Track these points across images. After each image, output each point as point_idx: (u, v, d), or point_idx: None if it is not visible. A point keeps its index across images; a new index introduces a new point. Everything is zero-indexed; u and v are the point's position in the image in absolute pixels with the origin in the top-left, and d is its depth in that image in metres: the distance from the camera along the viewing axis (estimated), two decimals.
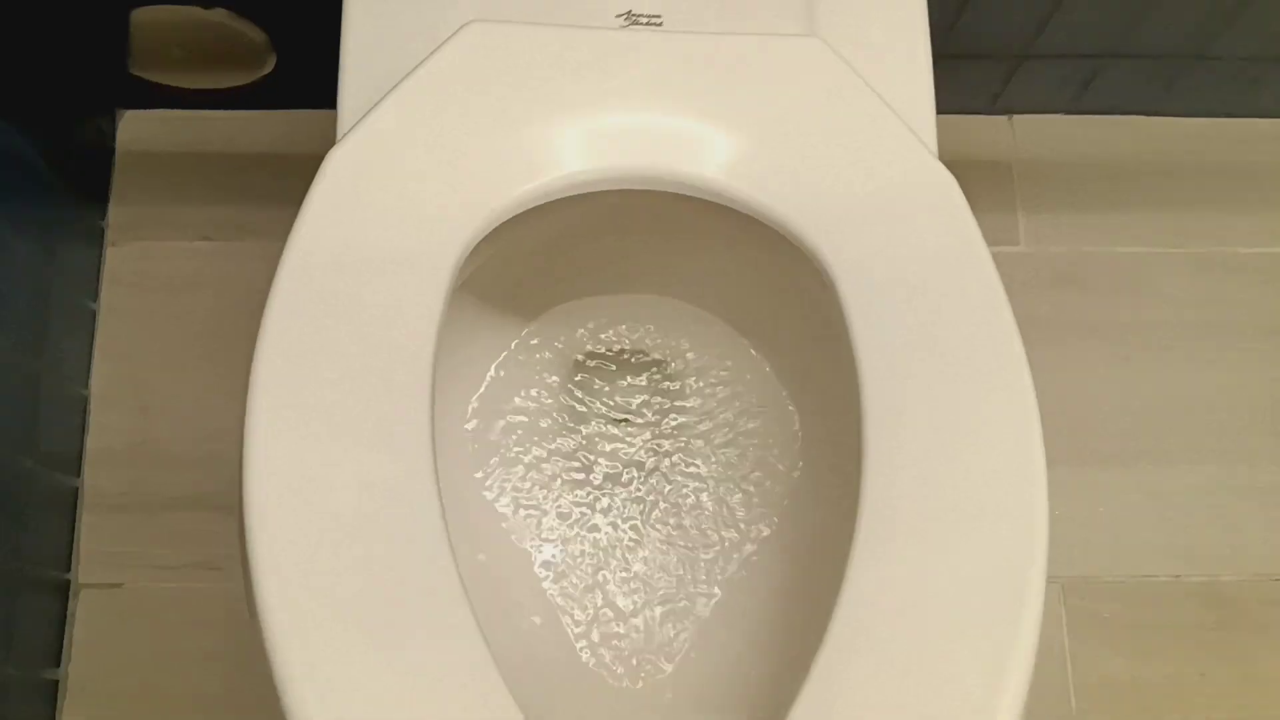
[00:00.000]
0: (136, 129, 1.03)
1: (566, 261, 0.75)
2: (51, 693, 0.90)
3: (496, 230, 0.59)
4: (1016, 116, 1.07)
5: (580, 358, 0.77)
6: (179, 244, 1.01)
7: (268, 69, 0.97)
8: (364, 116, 0.58)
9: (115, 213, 1.01)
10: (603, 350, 0.78)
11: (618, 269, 0.75)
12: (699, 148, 0.60)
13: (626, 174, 0.60)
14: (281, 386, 0.54)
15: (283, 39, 0.94)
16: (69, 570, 0.92)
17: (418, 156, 0.57)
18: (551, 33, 0.60)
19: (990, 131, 1.07)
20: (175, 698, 0.91)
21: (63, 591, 0.92)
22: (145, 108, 1.03)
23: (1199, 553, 0.98)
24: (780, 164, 0.59)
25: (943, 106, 0.66)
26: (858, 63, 0.62)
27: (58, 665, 0.90)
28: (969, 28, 0.92)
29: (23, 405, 0.86)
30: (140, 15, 0.90)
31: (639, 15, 0.67)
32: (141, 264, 1.00)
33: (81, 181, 0.99)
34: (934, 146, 0.63)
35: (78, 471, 0.94)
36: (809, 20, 0.66)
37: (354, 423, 0.53)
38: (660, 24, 0.67)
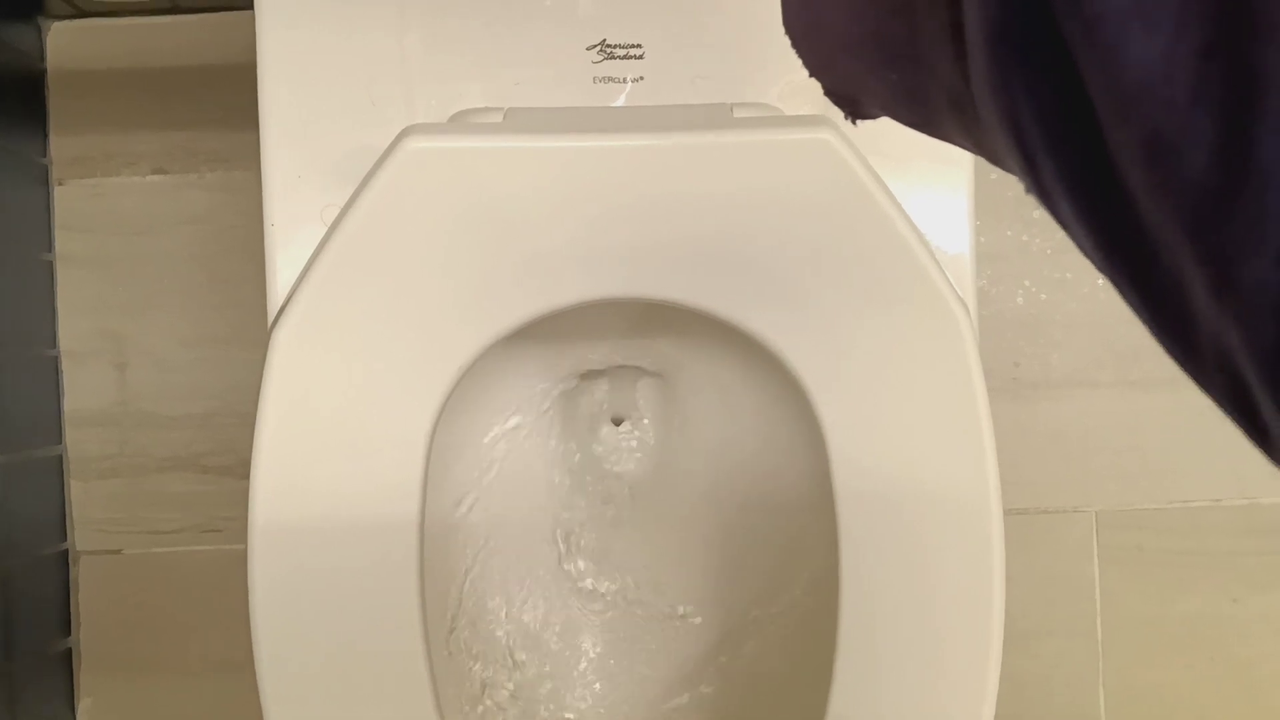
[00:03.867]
0: (65, 43, 0.91)
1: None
2: (66, 662, 0.90)
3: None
4: None
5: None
6: (132, 179, 0.91)
7: None
8: (302, 280, 0.48)
9: (57, 145, 0.91)
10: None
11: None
12: (682, 263, 0.50)
13: (597, 298, 0.50)
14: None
15: None
16: (65, 540, 0.90)
17: (371, 330, 0.48)
18: (503, 146, 0.48)
19: None
20: (188, 659, 0.91)
21: (63, 561, 0.90)
22: (71, 17, 0.90)
23: (1240, 475, 0.93)
24: (772, 287, 0.50)
25: None
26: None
27: (68, 634, 0.90)
28: None
29: None
30: None
31: (614, 46, 0.55)
32: (94, 204, 0.91)
33: (11, 110, 0.88)
34: (967, 267, 0.52)
35: (59, 438, 0.90)
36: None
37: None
38: (641, 55, 0.55)
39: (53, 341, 0.90)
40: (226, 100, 0.90)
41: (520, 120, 0.51)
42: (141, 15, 0.90)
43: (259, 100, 0.54)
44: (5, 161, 0.87)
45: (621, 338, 0.65)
